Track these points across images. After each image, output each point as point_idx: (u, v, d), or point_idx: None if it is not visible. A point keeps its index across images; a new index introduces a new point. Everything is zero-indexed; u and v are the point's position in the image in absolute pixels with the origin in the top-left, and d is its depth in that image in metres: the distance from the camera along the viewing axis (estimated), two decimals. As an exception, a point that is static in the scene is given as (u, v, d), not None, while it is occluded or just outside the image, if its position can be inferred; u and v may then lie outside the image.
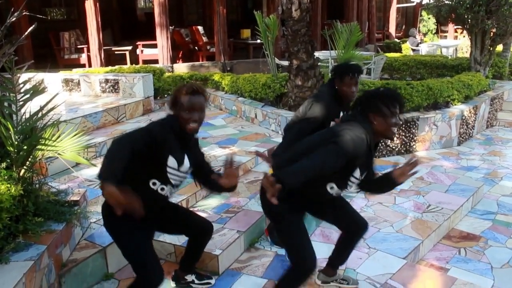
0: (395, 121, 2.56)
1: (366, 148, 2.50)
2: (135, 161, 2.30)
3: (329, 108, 3.51)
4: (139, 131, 2.40)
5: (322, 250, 3.42)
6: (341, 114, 3.58)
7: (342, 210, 2.99)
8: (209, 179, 2.76)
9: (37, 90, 2.76)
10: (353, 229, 3.00)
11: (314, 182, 2.51)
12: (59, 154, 3.08)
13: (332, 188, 2.66)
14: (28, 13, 2.98)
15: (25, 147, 2.73)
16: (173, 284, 3.24)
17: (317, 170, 2.35)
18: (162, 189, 2.57)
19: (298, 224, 2.72)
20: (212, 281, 3.25)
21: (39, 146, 2.83)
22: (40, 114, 2.87)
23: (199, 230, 2.95)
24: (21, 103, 2.82)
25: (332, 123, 3.47)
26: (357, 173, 2.62)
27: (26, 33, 3.16)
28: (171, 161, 2.51)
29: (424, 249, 3.92)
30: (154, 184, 2.54)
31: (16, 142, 2.73)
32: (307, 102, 3.64)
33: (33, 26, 3.05)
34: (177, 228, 2.96)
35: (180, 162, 2.55)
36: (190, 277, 3.20)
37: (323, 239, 3.87)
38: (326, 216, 3.06)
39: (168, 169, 2.52)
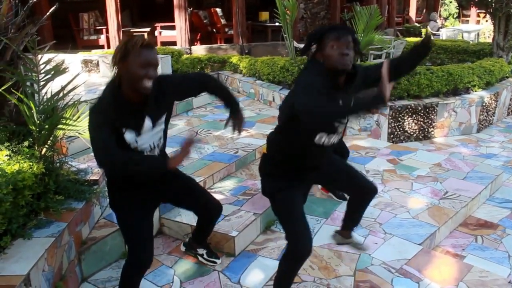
0: (339, 51, 2.31)
1: (326, 86, 2.32)
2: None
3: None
4: (95, 132, 2.19)
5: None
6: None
7: (346, 174, 2.87)
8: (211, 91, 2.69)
9: (58, 70, 2.79)
10: (362, 192, 2.91)
11: (299, 138, 2.51)
12: (79, 133, 3.12)
13: (321, 138, 2.52)
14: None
15: (46, 126, 2.78)
16: (183, 248, 3.30)
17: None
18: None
19: (291, 204, 2.63)
20: (218, 261, 3.29)
21: (60, 126, 2.88)
22: (61, 94, 2.91)
23: (207, 209, 2.91)
24: (42, 83, 2.86)
25: None
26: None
27: (48, 13, 3.18)
28: (128, 136, 2.27)
29: (440, 236, 3.90)
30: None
31: (38, 121, 2.78)
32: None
33: (55, 6, 3.08)
34: (185, 203, 2.89)
35: (138, 132, 2.31)
36: (201, 250, 3.26)
37: (339, 224, 3.88)
38: (328, 181, 2.99)
39: (131, 144, 2.30)
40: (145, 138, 2.35)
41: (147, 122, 2.33)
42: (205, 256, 3.27)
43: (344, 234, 3.22)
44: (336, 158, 2.91)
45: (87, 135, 2.76)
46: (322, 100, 2.23)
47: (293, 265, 2.65)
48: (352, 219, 3.13)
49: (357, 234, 3.62)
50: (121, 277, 2.63)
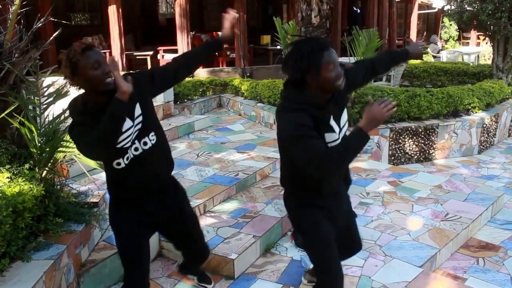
0: (336, 73, 2.20)
1: (313, 115, 2.21)
2: None
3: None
4: (78, 136, 2.21)
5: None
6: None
7: (345, 228, 2.74)
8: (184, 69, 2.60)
9: (60, 94, 2.84)
10: (349, 248, 2.86)
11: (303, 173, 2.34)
12: (75, 156, 3.15)
13: None
14: (53, 19, 3.07)
15: (47, 149, 2.81)
16: (176, 268, 3.33)
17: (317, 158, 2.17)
18: (128, 158, 2.34)
19: (324, 235, 2.49)
20: (210, 286, 3.26)
21: (60, 148, 2.91)
22: (62, 117, 2.95)
23: (194, 256, 2.97)
24: (44, 106, 2.90)
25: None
26: (330, 137, 2.32)
27: (51, 38, 3.25)
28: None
29: (441, 258, 3.88)
30: (118, 164, 2.34)
31: (39, 144, 2.81)
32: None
33: (58, 31, 3.14)
34: (176, 242, 2.90)
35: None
36: (191, 276, 3.27)
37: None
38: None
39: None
40: (126, 134, 2.30)
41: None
42: (196, 281, 3.27)
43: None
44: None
45: (84, 158, 2.79)
46: (317, 146, 2.17)
47: None
48: None
49: (357, 257, 3.60)
50: None
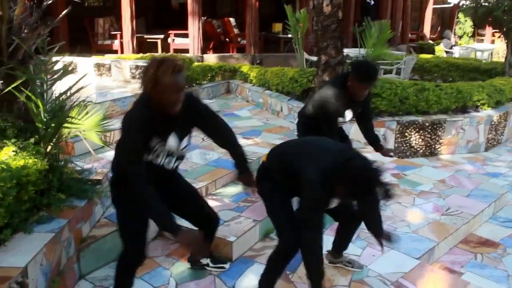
0: None
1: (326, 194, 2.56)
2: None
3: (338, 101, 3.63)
4: (128, 135, 2.31)
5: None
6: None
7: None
8: (220, 136, 2.76)
9: (66, 70, 2.87)
10: (349, 218, 3.11)
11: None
12: (80, 132, 3.19)
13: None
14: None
15: (52, 125, 2.85)
16: (188, 265, 3.33)
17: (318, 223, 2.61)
18: (156, 161, 2.48)
19: (282, 204, 2.84)
20: (227, 266, 3.32)
21: (65, 124, 2.95)
22: (68, 94, 2.98)
23: (206, 218, 2.97)
24: (51, 82, 2.93)
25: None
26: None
27: (61, 15, 3.28)
28: (155, 140, 2.39)
29: (439, 252, 3.89)
30: (146, 158, 2.42)
31: (45, 120, 2.85)
32: (318, 94, 3.81)
33: (68, 9, 3.17)
34: (184, 209, 2.91)
35: (163, 141, 2.44)
36: (205, 260, 3.28)
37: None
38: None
39: (155, 147, 2.42)
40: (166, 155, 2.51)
41: (173, 138, 2.47)
42: (210, 264, 3.29)
43: (335, 255, 3.38)
44: None
45: (90, 134, 2.83)
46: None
47: (282, 261, 2.87)
48: (340, 245, 3.32)
49: (356, 246, 3.64)
50: (116, 270, 2.75)
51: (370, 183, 2.41)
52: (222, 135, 2.77)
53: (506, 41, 8.71)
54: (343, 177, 2.40)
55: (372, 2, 13.22)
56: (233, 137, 2.79)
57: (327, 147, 2.72)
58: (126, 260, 2.69)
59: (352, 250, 3.55)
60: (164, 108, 2.30)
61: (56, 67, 3.09)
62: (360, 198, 2.58)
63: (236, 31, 11.04)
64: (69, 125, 2.98)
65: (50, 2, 3.18)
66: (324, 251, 3.41)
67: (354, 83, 3.49)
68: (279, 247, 2.86)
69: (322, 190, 2.48)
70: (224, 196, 4.26)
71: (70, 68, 2.85)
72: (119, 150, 2.44)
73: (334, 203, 2.68)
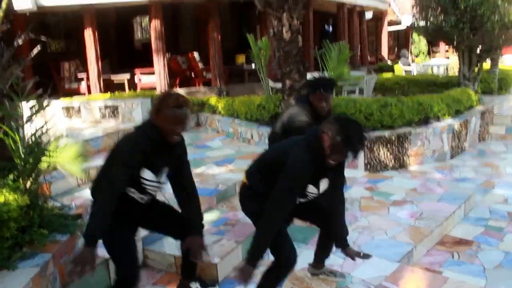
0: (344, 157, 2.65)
1: (312, 172, 2.67)
2: None
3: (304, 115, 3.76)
4: (121, 162, 2.53)
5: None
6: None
7: (317, 207, 3.13)
8: (181, 188, 2.93)
9: (41, 105, 2.93)
10: (322, 220, 3.20)
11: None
12: (60, 165, 3.22)
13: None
14: (32, 36, 3.18)
15: (31, 160, 2.88)
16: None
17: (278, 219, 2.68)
18: (142, 198, 2.72)
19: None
20: None
21: (44, 158, 2.99)
22: (44, 129, 3.04)
23: (184, 230, 3.01)
24: (26, 118, 2.98)
25: None
26: (311, 188, 2.81)
27: (32, 52, 3.35)
28: (146, 174, 2.61)
29: (418, 254, 4.03)
30: (133, 193, 2.66)
31: (23, 155, 2.88)
32: (286, 114, 3.92)
33: (37, 47, 3.25)
34: (164, 224, 3.03)
35: (157, 173, 2.66)
36: (193, 285, 3.30)
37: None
38: (301, 214, 3.27)
39: (143, 181, 2.63)
40: (157, 183, 2.72)
41: (165, 169, 2.70)
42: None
43: (317, 265, 3.47)
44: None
45: (69, 167, 2.88)
46: None
47: (279, 276, 2.90)
48: (323, 252, 3.40)
49: (337, 256, 3.73)
50: None
51: (358, 128, 2.60)
52: (186, 194, 2.97)
53: (457, 54, 9.16)
54: (332, 124, 2.58)
55: (331, 29, 13.73)
56: (197, 201, 3.01)
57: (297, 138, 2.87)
58: (123, 283, 2.73)
59: (334, 261, 3.64)
60: (165, 135, 2.56)
61: (29, 105, 3.16)
62: (346, 149, 2.57)
63: (200, 65, 11.25)
64: (47, 159, 3.02)
65: (20, 43, 3.26)
66: (306, 264, 3.53)
67: (313, 97, 3.70)
68: (276, 264, 2.91)
69: (310, 165, 2.60)
70: (204, 222, 4.29)
71: (45, 104, 2.91)
72: (109, 164, 2.61)
73: (311, 189, 2.79)
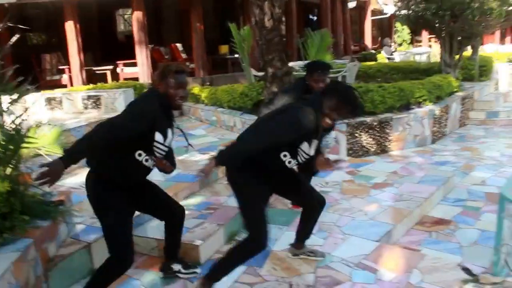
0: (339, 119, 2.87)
1: (313, 128, 2.77)
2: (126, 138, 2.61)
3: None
4: (131, 118, 2.63)
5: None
6: None
7: (301, 187, 3.21)
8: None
9: (21, 91, 2.93)
10: (312, 205, 3.27)
11: (267, 151, 2.81)
12: (38, 149, 3.23)
13: (285, 156, 2.89)
14: (10, 24, 3.17)
15: (11, 147, 2.89)
16: (160, 274, 3.38)
17: (264, 141, 2.77)
18: (147, 160, 2.83)
19: (259, 197, 2.96)
20: (198, 270, 3.38)
21: (24, 145, 2.99)
22: (24, 117, 3.04)
23: (171, 212, 3.15)
24: (7, 105, 2.99)
25: None
26: (305, 146, 2.86)
27: (11, 40, 3.35)
28: (158, 136, 2.76)
29: (397, 234, 4.11)
30: (139, 155, 2.79)
31: (2, 142, 2.89)
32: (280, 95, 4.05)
33: (16, 35, 3.25)
34: (150, 206, 3.13)
35: (165, 136, 2.80)
36: (176, 266, 3.34)
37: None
38: (286, 193, 3.35)
39: (155, 143, 2.77)
40: (166, 146, 2.86)
41: (170, 134, 2.86)
42: (182, 270, 3.35)
43: (298, 246, 3.52)
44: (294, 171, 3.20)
45: (51, 148, 2.90)
46: None
47: (244, 250, 2.96)
48: (304, 232, 3.45)
49: (317, 237, 3.80)
50: (100, 273, 2.83)
51: (355, 90, 2.83)
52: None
53: (439, 41, 9.29)
54: (333, 87, 2.89)
55: (315, 18, 13.77)
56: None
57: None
58: (117, 263, 2.81)
59: (314, 241, 3.70)
60: (170, 101, 2.76)
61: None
62: (347, 107, 2.77)
63: (183, 56, 11.24)
64: (28, 145, 3.03)
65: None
66: (287, 245, 3.60)
67: (311, 78, 3.99)
68: (247, 241, 2.93)
69: (314, 119, 2.73)
70: (187, 206, 4.28)
71: (24, 89, 2.92)
72: (111, 123, 2.63)
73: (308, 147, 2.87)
